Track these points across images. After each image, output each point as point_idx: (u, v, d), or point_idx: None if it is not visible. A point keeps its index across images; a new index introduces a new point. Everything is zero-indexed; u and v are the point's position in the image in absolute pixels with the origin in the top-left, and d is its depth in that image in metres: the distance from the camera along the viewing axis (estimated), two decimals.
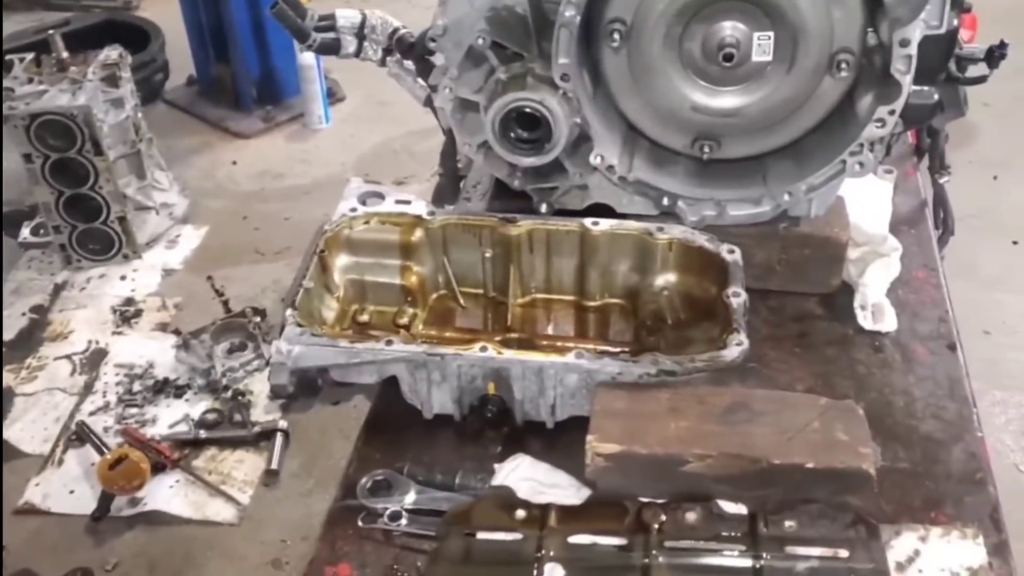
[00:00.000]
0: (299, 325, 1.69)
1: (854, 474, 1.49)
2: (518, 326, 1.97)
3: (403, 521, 1.58)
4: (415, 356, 1.68)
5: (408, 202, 1.99)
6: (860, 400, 1.69)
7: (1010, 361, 3.70)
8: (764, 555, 1.44)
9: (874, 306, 1.97)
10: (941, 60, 1.82)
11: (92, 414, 3.51)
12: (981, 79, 1.98)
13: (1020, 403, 3.53)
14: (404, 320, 1.95)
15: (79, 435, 3.38)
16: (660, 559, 1.44)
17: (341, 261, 1.95)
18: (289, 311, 1.71)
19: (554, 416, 1.73)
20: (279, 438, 3.36)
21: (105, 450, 3.22)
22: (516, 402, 1.71)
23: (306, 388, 1.76)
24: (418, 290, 1.99)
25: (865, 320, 1.96)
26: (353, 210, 1.97)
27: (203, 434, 3.40)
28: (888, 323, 1.95)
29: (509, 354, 1.68)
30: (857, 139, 1.83)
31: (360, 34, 2.44)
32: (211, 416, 3.47)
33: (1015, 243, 4.30)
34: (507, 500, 1.57)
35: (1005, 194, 4.58)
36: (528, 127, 1.90)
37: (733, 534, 1.48)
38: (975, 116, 4.90)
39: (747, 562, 1.44)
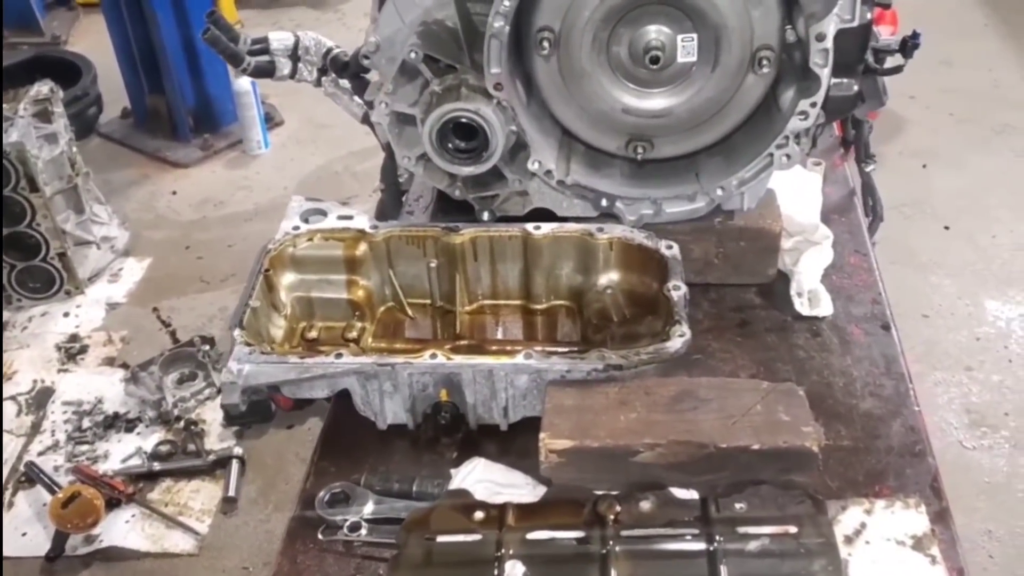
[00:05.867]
0: (247, 344, 1.70)
1: (798, 452, 1.54)
2: (467, 333, 1.99)
3: (363, 531, 1.59)
4: (365, 367, 1.69)
5: (350, 217, 2.00)
6: (801, 383, 1.74)
7: (948, 342, 3.81)
8: (717, 537, 1.47)
9: (810, 292, 2.04)
10: (858, 52, 1.88)
11: (41, 454, 3.44)
12: (897, 69, 2.05)
13: (960, 382, 3.64)
14: (353, 334, 1.96)
15: (28, 476, 3.32)
16: (617, 548, 1.47)
17: (287, 279, 1.97)
18: (236, 331, 1.72)
19: (507, 418, 1.76)
20: (235, 465, 3.33)
21: (56, 489, 3.16)
22: (469, 406, 1.74)
23: (259, 413, 1.77)
24: (365, 304, 2.01)
25: (802, 307, 2.02)
26: (296, 228, 1.98)
27: (157, 466, 3.36)
28: (824, 308, 2.02)
29: (459, 359, 1.70)
30: (782, 132, 1.89)
31: (294, 56, 2.45)
32: (164, 448, 3.42)
33: (947, 228, 4.44)
34: (465, 503, 1.58)
35: (934, 182, 4.73)
36: (465, 137, 1.93)
37: (687, 519, 1.51)
38: (903, 109, 5.09)
39: (701, 545, 1.47)
